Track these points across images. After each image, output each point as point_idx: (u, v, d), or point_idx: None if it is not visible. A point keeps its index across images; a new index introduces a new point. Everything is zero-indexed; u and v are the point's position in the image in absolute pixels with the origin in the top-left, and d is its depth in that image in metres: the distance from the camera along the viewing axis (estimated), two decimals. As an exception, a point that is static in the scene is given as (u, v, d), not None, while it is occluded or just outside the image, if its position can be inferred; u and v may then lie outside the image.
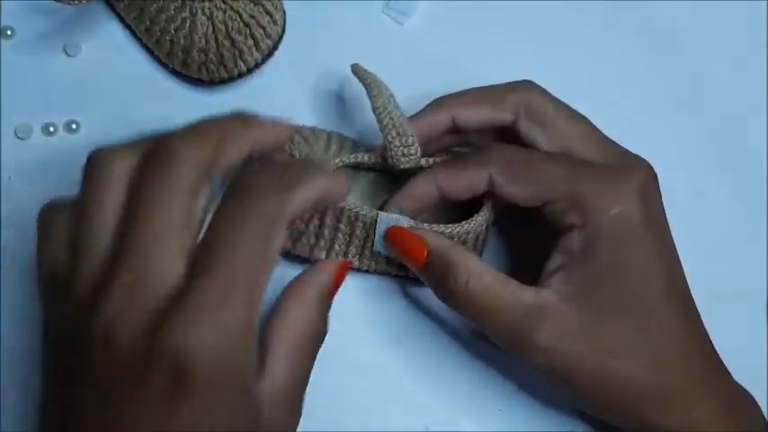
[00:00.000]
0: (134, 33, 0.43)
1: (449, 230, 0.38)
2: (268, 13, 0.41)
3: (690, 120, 0.45)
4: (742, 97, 0.46)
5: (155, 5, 0.40)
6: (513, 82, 0.39)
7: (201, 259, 0.28)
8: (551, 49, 0.45)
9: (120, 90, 0.42)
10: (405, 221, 0.38)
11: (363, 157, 0.39)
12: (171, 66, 0.42)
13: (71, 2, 0.39)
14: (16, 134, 0.41)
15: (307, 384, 0.32)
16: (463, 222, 0.38)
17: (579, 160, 0.37)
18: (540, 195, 0.36)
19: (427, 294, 0.42)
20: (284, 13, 0.42)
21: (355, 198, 0.40)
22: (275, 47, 0.42)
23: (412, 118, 0.39)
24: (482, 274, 0.36)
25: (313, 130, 0.41)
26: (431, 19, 0.45)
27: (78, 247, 0.29)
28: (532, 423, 0.41)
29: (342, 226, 0.39)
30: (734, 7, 0.47)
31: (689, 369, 0.35)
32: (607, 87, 0.38)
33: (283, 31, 0.42)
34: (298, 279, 0.33)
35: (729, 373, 0.36)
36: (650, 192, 0.36)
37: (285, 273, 0.41)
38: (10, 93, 0.42)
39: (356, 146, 0.41)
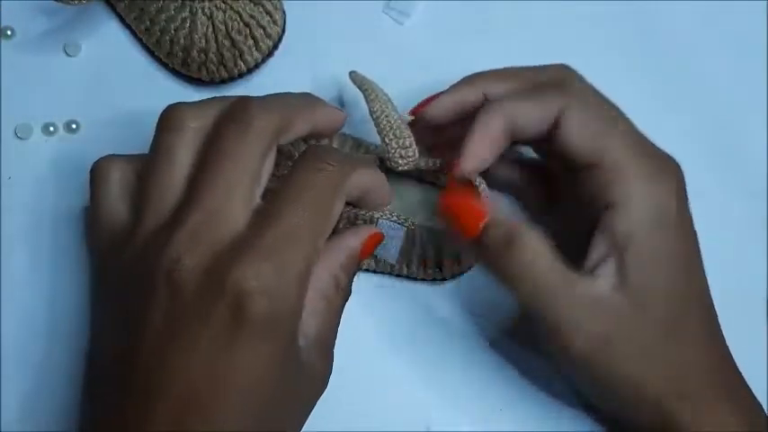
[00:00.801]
0: (134, 33, 0.43)
1: (443, 234, 0.38)
2: (268, 13, 0.41)
3: (690, 120, 0.45)
4: (742, 97, 0.46)
5: (155, 5, 0.40)
6: (550, 67, 0.38)
7: (269, 210, 0.31)
8: (551, 49, 0.45)
9: (120, 90, 0.42)
10: (402, 231, 0.39)
11: (380, 150, 0.39)
12: (171, 66, 0.42)
13: (71, 2, 0.39)
14: (16, 134, 0.41)
15: (335, 339, 0.35)
16: None
17: (639, 137, 0.36)
18: (600, 151, 0.35)
19: (428, 294, 0.42)
20: (284, 13, 0.42)
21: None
22: (275, 47, 0.42)
23: (443, 92, 0.38)
24: (546, 254, 0.34)
25: (313, 130, 0.41)
26: (431, 19, 0.45)
27: (147, 195, 0.32)
28: (533, 423, 0.41)
29: (341, 227, 0.39)
30: (734, 7, 0.47)
31: (714, 376, 0.35)
32: (607, 87, 0.38)
33: (283, 31, 0.42)
34: (331, 241, 0.34)
35: (748, 387, 0.36)
36: (684, 193, 0.36)
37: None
38: (10, 93, 0.42)
39: (358, 145, 0.41)
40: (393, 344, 0.41)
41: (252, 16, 0.40)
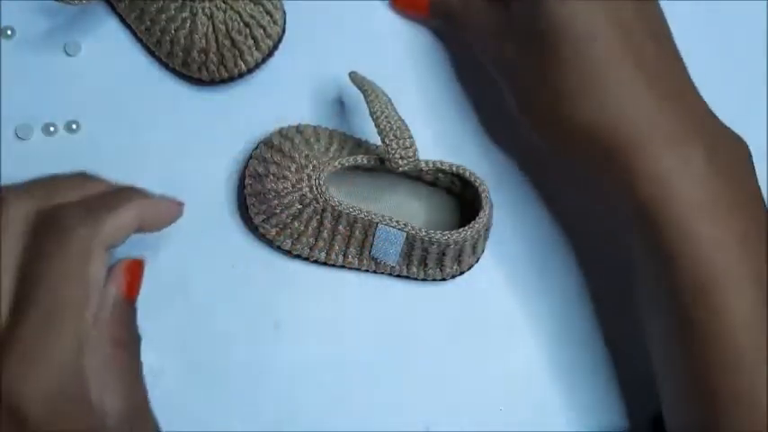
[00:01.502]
0: (134, 33, 0.43)
1: (445, 237, 0.38)
2: (268, 13, 0.41)
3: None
4: (742, 97, 0.46)
5: (155, 5, 0.40)
6: None
7: (21, 300, 0.28)
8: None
9: (120, 90, 0.42)
10: (402, 236, 0.39)
11: (362, 160, 0.39)
12: (171, 66, 0.42)
13: (71, 2, 0.39)
14: (16, 134, 0.41)
15: (146, 396, 0.32)
16: (461, 229, 0.39)
17: None
18: None
19: (429, 294, 0.42)
20: (284, 13, 0.42)
21: (355, 198, 0.40)
22: (275, 47, 0.42)
23: None
24: None
25: (315, 129, 0.41)
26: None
27: None
28: (532, 423, 0.41)
29: (341, 228, 0.39)
30: (734, 7, 0.47)
31: (657, 106, 0.34)
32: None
33: (283, 31, 0.42)
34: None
35: (713, 115, 0.36)
36: None
37: (287, 269, 0.41)
38: (10, 93, 0.42)
39: (358, 145, 0.41)
40: (393, 344, 0.41)
41: (252, 16, 0.40)
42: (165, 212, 0.34)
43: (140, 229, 0.32)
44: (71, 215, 0.30)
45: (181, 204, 0.35)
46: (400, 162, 0.38)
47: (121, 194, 0.33)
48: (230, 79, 0.41)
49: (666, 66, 0.36)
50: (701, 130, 0.35)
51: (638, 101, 0.34)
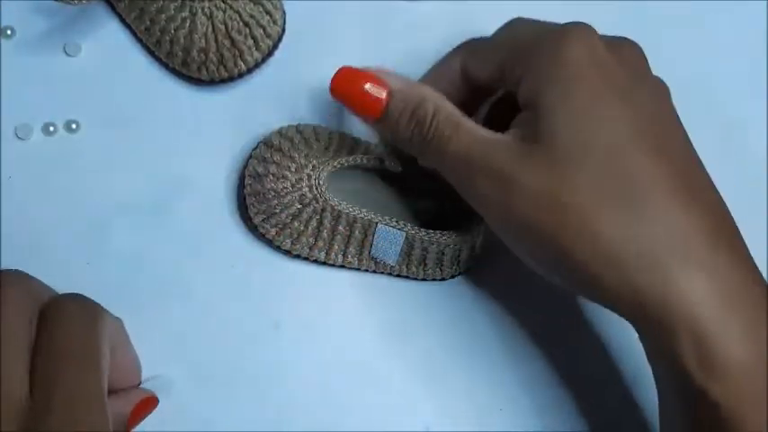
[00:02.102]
0: (134, 33, 0.43)
1: (444, 238, 0.38)
2: (268, 12, 0.41)
3: (689, 119, 0.45)
4: (742, 97, 0.46)
5: (155, 5, 0.40)
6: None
7: (42, 390, 0.28)
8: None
9: (120, 90, 0.42)
10: (401, 236, 0.39)
11: (361, 160, 0.39)
12: (171, 66, 0.42)
13: (71, 2, 0.39)
14: (16, 134, 0.41)
15: None
16: (459, 230, 0.39)
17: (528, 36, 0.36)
18: (495, 59, 0.36)
19: (428, 294, 0.42)
20: (284, 13, 0.42)
21: (354, 198, 0.40)
22: (275, 47, 0.42)
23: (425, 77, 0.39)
24: (447, 105, 0.35)
25: (314, 129, 0.41)
26: (433, 19, 0.45)
27: None
28: (532, 423, 0.41)
29: (340, 227, 0.39)
30: (734, 7, 0.47)
31: (672, 221, 0.31)
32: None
33: (283, 31, 0.42)
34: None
35: (739, 235, 0.33)
36: (591, 42, 0.34)
37: (287, 269, 0.41)
38: (10, 93, 0.42)
39: (357, 145, 0.41)
40: (393, 344, 0.41)
41: (252, 16, 0.40)
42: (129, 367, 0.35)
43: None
44: (75, 307, 0.31)
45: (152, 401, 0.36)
46: (400, 162, 0.38)
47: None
48: (230, 79, 0.41)
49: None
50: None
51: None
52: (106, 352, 0.30)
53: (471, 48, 0.39)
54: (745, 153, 0.45)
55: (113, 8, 0.43)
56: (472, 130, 0.34)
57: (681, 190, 0.32)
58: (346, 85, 0.36)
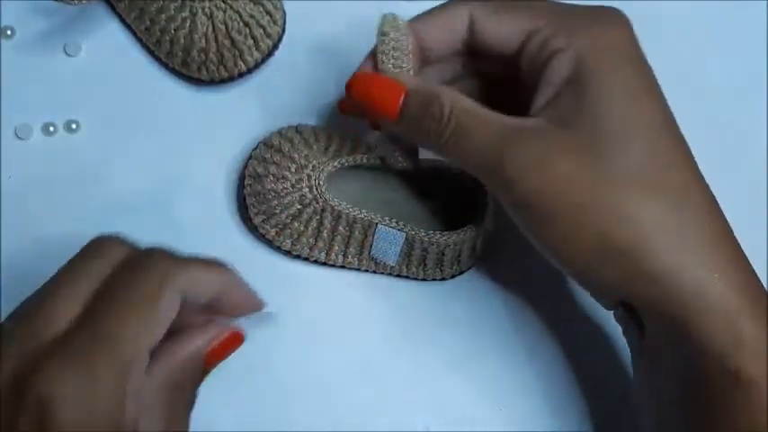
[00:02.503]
0: (134, 33, 0.43)
1: (444, 238, 0.38)
2: (268, 12, 0.41)
3: (689, 119, 0.45)
4: (742, 97, 0.46)
5: (155, 5, 0.40)
6: None
7: (87, 313, 0.29)
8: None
9: (120, 90, 0.42)
10: (401, 236, 0.39)
11: (362, 159, 0.39)
12: (171, 66, 0.42)
13: (71, 2, 0.39)
14: (16, 134, 0.41)
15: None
16: (460, 230, 0.39)
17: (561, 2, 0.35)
18: (524, 25, 0.34)
19: (428, 293, 0.42)
20: (284, 13, 0.42)
21: (354, 198, 0.40)
22: (275, 47, 0.42)
23: (418, 18, 0.36)
24: (464, 100, 0.34)
25: (314, 129, 0.41)
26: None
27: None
28: (532, 423, 0.41)
29: (340, 228, 0.39)
30: (734, 7, 0.47)
31: (707, 217, 0.32)
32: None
33: (283, 31, 0.42)
34: (176, 341, 0.32)
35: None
36: (632, 31, 0.34)
37: (287, 269, 0.41)
38: (10, 93, 0.42)
39: (356, 145, 0.41)
40: (393, 344, 0.41)
41: (252, 16, 0.40)
42: (246, 299, 0.34)
43: (217, 302, 0.32)
44: (155, 255, 0.31)
45: (261, 303, 0.35)
46: (400, 160, 0.38)
47: (217, 263, 0.33)
48: (230, 79, 0.41)
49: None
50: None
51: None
52: (166, 307, 0.30)
53: (488, 4, 0.35)
54: (745, 153, 0.45)
55: (113, 8, 0.43)
56: (494, 121, 0.33)
57: (703, 185, 0.33)
58: (362, 89, 0.35)
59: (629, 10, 0.46)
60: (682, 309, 0.31)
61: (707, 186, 0.33)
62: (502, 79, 0.37)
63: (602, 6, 0.35)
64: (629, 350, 0.42)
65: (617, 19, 0.34)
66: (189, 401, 0.33)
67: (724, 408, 0.31)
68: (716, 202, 0.33)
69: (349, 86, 0.36)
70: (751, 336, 0.30)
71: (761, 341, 0.30)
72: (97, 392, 0.27)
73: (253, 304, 0.35)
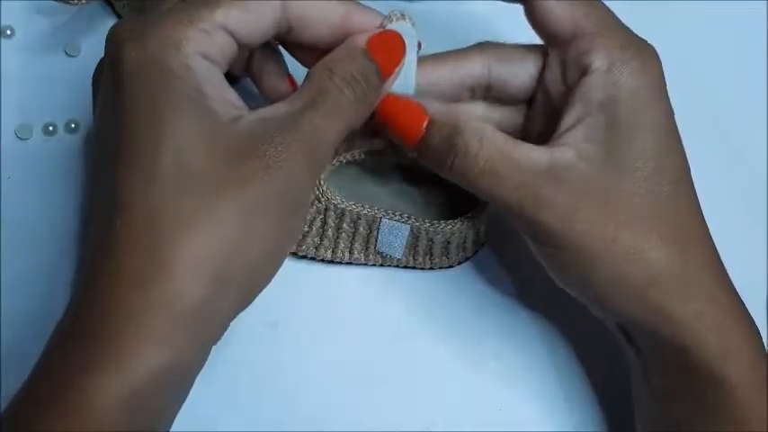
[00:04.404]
0: (134, 33, 0.43)
1: (449, 227, 0.38)
2: (268, 12, 0.41)
3: (689, 119, 0.45)
4: (742, 98, 0.46)
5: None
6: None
7: None
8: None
9: (120, 90, 0.42)
10: (406, 229, 0.39)
11: (359, 155, 0.39)
12: (171, 66, 0.42)
13: (71, 2, 0.39)
14: (16, 134, 0.41)
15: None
16: (463, 218, 0.39)
17: (619, 21, 0.36)
18: (575, 21, 0.34)
19: (430, 293, 0.42)
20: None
21: (356, 194, 0.40)
22: (275, 47, 0.42)
23: (431, 61, 0.36)
24: (493, 136, 0.33)
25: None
26: (435, 19, 0.45)
27: None
28: (533, 423, 0.41)
29: (345, 225, 0.39)
30: (734, 7, 0.47)
31: (705, 255, 0.34)
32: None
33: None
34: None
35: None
36: (663, 75, 0.35)
37: (286, 270, 0.41)
38: (10, 93, 0.42)
39: (354, 140, 0.40)
40: (393, 343, 0.41)
41: (252, 16, 0.40)
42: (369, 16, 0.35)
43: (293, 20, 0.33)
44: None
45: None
46: (399, 153, 0.38)
47: None
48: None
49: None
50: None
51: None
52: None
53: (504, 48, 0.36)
54: (745, 153, 0.45)
55: (113, 8, 0.43)
56: (525, 160, 0.33)
57: (703, 222, 0.35)
58: (385, 111, 0.34)
59: (629, 10, 0.46)
60: (680, 334, 0.33)
61: (705, 223, 0.35)
62: (515, 94, 0.37)
63: (640, 38, 0.35)
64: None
65: (653, 55, 0.35)
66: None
67: (715, 414, 0.33)
68: (709, 235, 0.35)
69: (379, 106, 0.35)
70: (737, 347, 0.33)
71: (744, 351, 0.33)
72: (161, 36, 0.30)
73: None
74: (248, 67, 0.36)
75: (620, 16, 0.46)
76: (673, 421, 0.35)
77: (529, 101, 0.37)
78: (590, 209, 0.32)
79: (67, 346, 0.28)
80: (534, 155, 0.33)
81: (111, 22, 0.43)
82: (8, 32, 0.42)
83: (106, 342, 0.27)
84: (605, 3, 0.44)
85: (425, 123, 0.34)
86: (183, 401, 0.31)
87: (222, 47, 0.31)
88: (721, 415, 0.33)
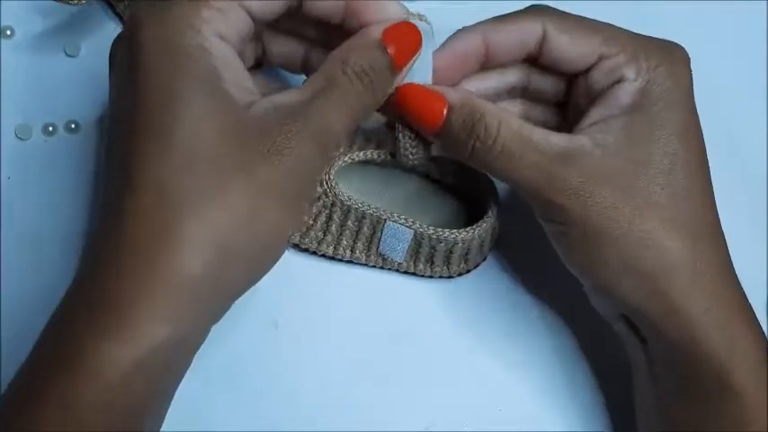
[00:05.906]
0: (134, 33, 0.43)
1: (453, 236, 0.38)
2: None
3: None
4: (742, 97, 0.46)
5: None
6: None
7: None
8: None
9: (120, 90, 0.42)
10: (410, 233, 0.39)
11: (372, 155, 0.39)
12: (171, 66, 0.42)
13: (71, 2, 0.39)
14: (16, 134, 0.41)
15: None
16: (469, 228, 0.39)
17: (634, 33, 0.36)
18: (597, 48, 0.34)
19: (431, 293, 0.42)
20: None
21: (364, 193, 0.40)
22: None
23: (439, 50, 0.36)
24: (510, 120, 0.34)
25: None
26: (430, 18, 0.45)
27: None
28: (533, 423, 0.41)
29: (349, 223, 0.39)
30: (734, 7, 0.47)
31: (717, 251, 0.34)
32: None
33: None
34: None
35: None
36: (690, 70, 0.35)
37: (289, 266, 0.41)
38: (10, 93, 0.42)
39: (368, 139, 0.40)
40: (393, 344, 0.41)
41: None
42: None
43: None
44: None
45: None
46: (410, 156, 0.38)
47: None
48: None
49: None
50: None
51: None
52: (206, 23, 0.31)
53: (565, 19, 0.35)
54: (745, 153, 0.45)
55: (113, 8, 0.43)
56: (542, 142, 0.33)
57: (717, 220, 0.35)
58: (405, 99, 0.35)
59: (629, 10, 0.46)
60: (687, 327, 0.33)
61: (719, 221, 0.35)
62: (551, 97, 0.38)
63: (671, 42, 0.36)
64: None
65: (683, 56, 0.35)
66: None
67: (718, 413, 0.33)
68: (722, 233, 0.35)
69: (395, 95, 0.35)
70: (742, 347, 0.33)
71: (750, 351, 0.33)
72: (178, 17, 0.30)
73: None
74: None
75: (620, 17, 0.46)
76: (675, 421, 0.35)
77: (560, 105, 0.38)
78: (605, 191, 0.33)
79: (74, 315, 0.29)
80: (552, 138, 0.34)
81: (111, 22, 0.43)
82: (8, 32, 0.42)
83: (110, 314, 0.28)
84: (607, 3, 0.44)
85: (446, 109, 0.34)
86: (180, 379, 0.31)
87: (238, 25, 0.32)
88: (725, 415, 0.33)
